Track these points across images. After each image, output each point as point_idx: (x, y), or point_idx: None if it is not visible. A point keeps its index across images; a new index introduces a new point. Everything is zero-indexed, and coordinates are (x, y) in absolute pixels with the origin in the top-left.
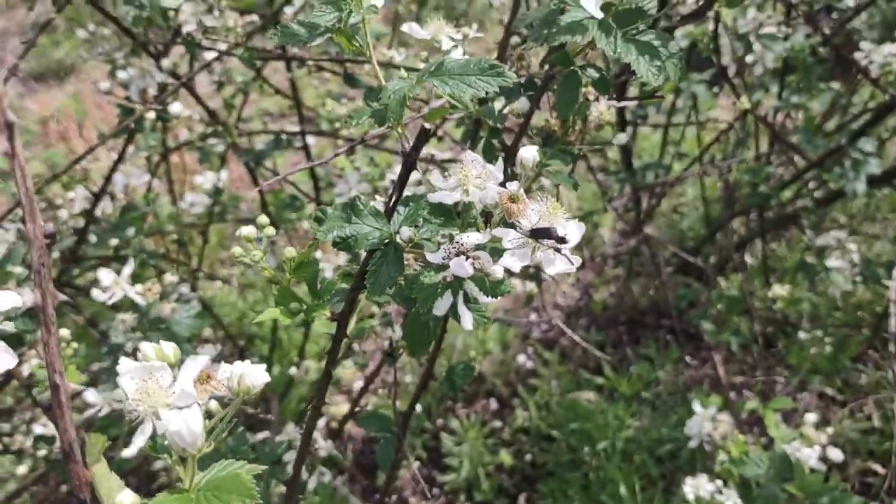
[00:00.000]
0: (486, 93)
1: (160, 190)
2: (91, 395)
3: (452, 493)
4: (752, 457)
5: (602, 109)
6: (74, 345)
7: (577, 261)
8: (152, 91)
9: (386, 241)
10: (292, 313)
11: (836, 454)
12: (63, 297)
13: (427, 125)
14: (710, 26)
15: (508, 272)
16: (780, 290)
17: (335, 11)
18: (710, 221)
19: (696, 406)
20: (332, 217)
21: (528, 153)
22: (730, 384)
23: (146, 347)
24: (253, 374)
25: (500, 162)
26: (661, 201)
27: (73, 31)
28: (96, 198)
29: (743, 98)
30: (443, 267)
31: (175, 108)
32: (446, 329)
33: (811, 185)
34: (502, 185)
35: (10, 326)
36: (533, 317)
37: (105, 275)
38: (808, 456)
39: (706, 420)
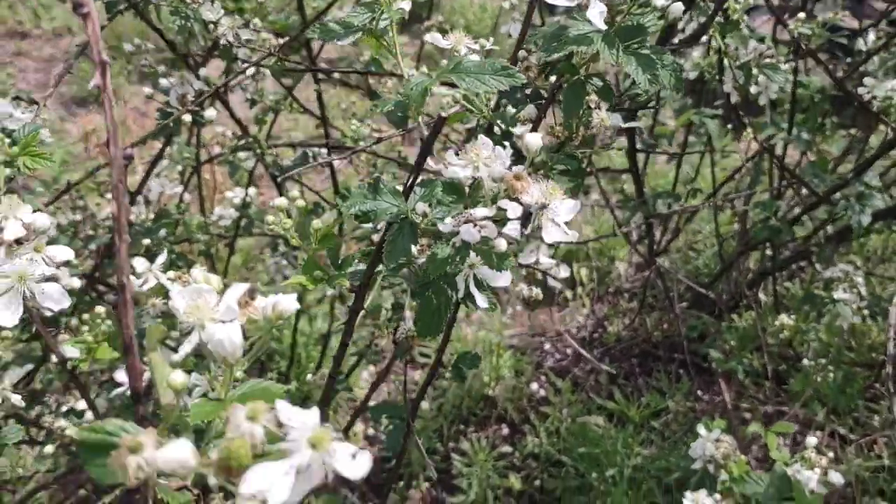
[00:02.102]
0: (498, 93)
1: (191, 200)
2: (120, 375)
3: None
4: (752, 475)
5: (603, 116)
6: (108, 322)
7: (574, 234)
8: (190, 97)
9: (402, 216)
10: (316, 280)
11: (836, 477)
12: (132, 211)
13: (443, 114)
14: (716, 58)
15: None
16: (786, 319)
17: (368, 13)
18: (724, 259)
19: (701, 429)
20: (355, 194)
21: (533, 138)
22: (736, 408)
23: (196, 273)
24: (285, 302)
25: (509, 148)
26: (678, 236)
27: (113, 59)
28: (133, 195)
29: (749, 129)
30: (453, 234)
31: (209, 112)
32: (455, 318)
33: (826, 219)
34: (509, 168)
35: (75, 282)
36: (547, 346)
37: (139, 263)
38: (809, 478)
39: (709, 441)
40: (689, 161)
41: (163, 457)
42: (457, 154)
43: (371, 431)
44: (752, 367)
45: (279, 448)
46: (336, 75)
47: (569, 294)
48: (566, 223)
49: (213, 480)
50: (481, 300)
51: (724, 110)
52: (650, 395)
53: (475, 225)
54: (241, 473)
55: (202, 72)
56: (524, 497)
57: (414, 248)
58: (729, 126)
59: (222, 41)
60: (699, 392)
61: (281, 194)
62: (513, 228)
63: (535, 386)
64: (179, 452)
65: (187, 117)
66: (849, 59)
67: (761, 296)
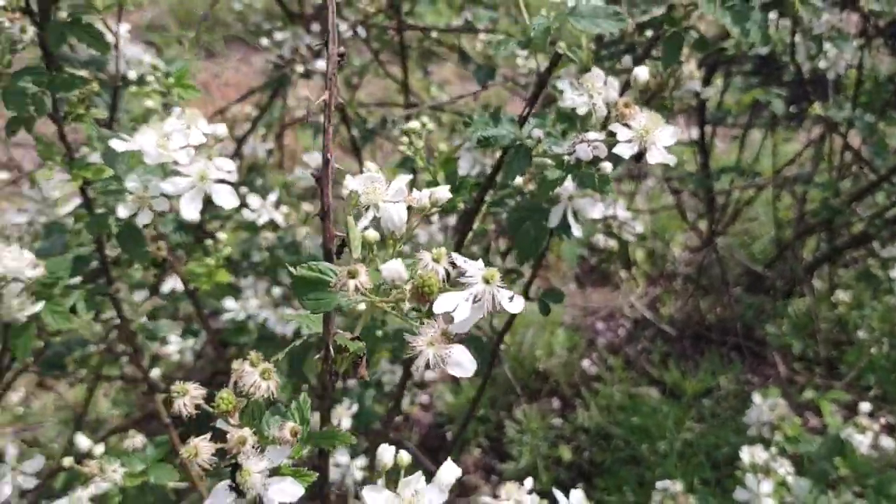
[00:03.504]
0: (596, 45)
1: (270, 164)
2: (230, 303)
3: (511, 482)
4: (806, 436)
5: (692, 69)
6: (228, 248)
7: (673, 158)
8: (303, 50)
9: (518, 142)
10: None
11: (888, 442)
12: (340, 99)
13: (559, 50)
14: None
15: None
16: (842, 295)
17: None
18: (781, 246)
19: (756, 397)
20: (477, 122)
21: (641, 72)
22: (790, 382)
23: (369, 164)
24: (440, 192)
25: (617, 81)
26: (736, 220)
27: (185, 32)
28: (239, 142)
29: (816, 104)
30: (568, 153)
31: (319, 63)
32: (549, 246)
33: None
34: None
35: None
36: (600, 325)
37: (254, 199)
38: (861, 442)
39: (765, 407)
40: (750, 151)
41: (386, 268)
42: (572, 85)
43: (425, 398)
44: (805, 352)
45: (459, 282)
46: (434, 34)
47: (623, 275)
48: (666, 147)
49: (408, 306)
50: (576, 230)
51: (789, 93)
52: (702, 374)
53: (589, 144)
54: (430, 300)
55: (313, 27)
56: (573, 467)
57: (520, 179)
58: (792, 108)
59: None
60: (750, 375)
61: (360, 157)
62: (622, 150)
63: (586, 363)
64: (397, 265)
65: (300, 68)
66: None
67: (816, 283)
